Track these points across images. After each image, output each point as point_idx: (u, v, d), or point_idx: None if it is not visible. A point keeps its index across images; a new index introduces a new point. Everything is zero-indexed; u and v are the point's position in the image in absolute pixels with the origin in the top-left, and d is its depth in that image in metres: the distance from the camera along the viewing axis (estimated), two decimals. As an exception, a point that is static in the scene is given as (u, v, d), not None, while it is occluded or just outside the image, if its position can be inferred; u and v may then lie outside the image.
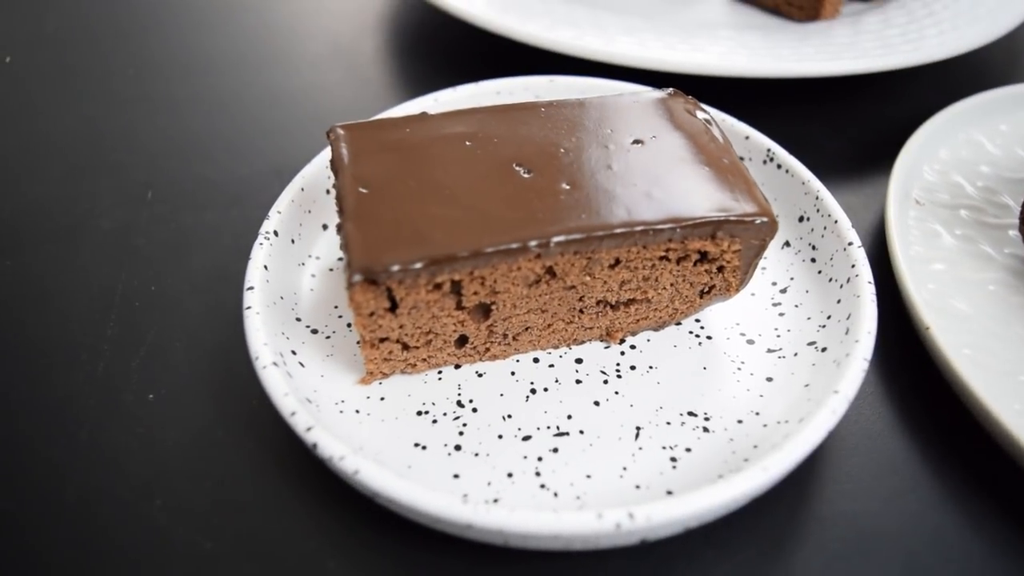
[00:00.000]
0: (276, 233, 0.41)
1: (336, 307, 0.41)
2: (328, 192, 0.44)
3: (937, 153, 0.49)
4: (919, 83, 0.62)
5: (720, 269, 0.37)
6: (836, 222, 0.41)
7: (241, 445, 0.38)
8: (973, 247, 0.44)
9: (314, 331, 0.40)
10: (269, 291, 0.38)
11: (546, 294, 0.36)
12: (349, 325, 0.40)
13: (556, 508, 0.32)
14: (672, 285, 0.38)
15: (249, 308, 0.36)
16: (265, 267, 0.39)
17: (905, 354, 0.41)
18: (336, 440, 0.32)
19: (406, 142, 0.38)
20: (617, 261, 0.36)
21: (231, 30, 0.69)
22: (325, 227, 0.44)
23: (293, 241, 0.42)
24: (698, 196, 0.36)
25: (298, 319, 0.40)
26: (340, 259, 0.43)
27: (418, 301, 0.34)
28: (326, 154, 0.44)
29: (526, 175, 0.36)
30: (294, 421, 0.32)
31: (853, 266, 0.39)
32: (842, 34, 0.56)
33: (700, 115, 0.40)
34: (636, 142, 0.38)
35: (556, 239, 0.33)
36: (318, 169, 0.44)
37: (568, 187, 0.35)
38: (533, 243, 0.33)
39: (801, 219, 0.43)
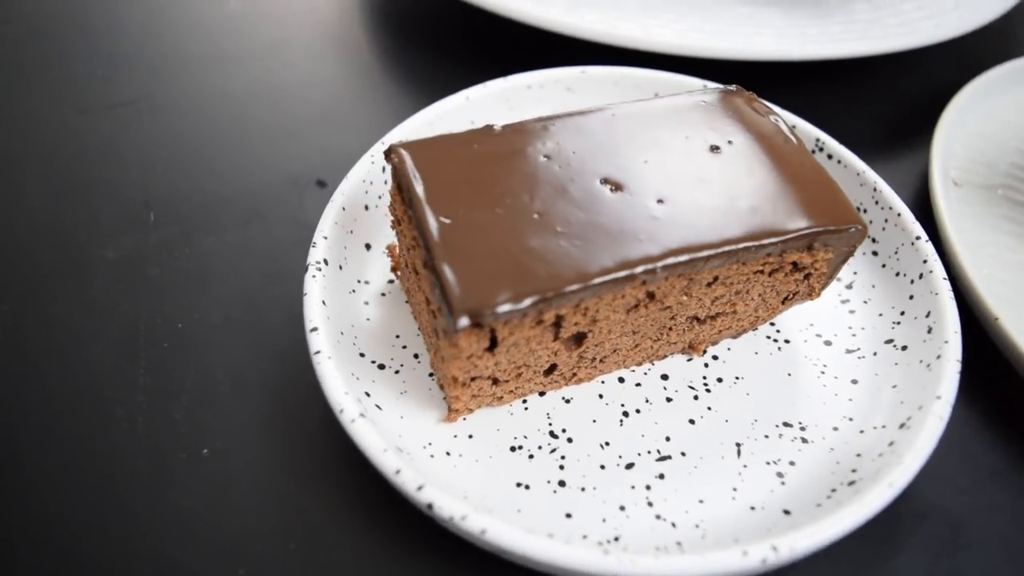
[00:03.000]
0: (326, 262, 0.37)
1: (398, 336, 0.38)
2: (367, 208, 0.41)
3: (965, 129, 0.50)
4: (933, 56, 0.62)
5: (807, 276, 0.37)
6: (899, 215, 0.40)
7: (318, 496, 0.35)
8: (1016, 227, 0.45)
9: (381, 366, 0.37)
10: (332, 329, 0.36)
11: (642, 317, 0.34)
12: (416, 356, 0.38)
13: (680, 541, 0.32)
14: (760, 295, 0.37)
15: (319, 353, 0.34)
16: (323, 302, 0.36)
17: (966, 343, 0.42)
18: (451, 497, 0.30)
19: (478, 161, 0.35)
20: (715, 279, 0.34)
21: (210, 19, 0.62)
22: (368, 247, 0.41)
23: (341, 267, 0.39)
24: (792, 206, 0.34)
25: (362, 354, 0.37)
26: (391, 282, 0.40)
27: (519, 338, 0.32)
28: (363, 167, 0.41)
29: (613, 192, 0.34)
30: (400, 480, 0.30)
31: (925, 261, 0.39)
32: (862, 9, 0.55)
33: (766, 113, 0.39)
34: (714, 148, 0.36)
35: (663, 263, 0.32)
36: (354, 184, 0.40)
37: (660, 204, 0.34)
38: (640, 270, 0.32)
39: (858, 209, 0.43)
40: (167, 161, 0.49)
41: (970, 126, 0.50)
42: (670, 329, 0.37)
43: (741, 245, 0.33)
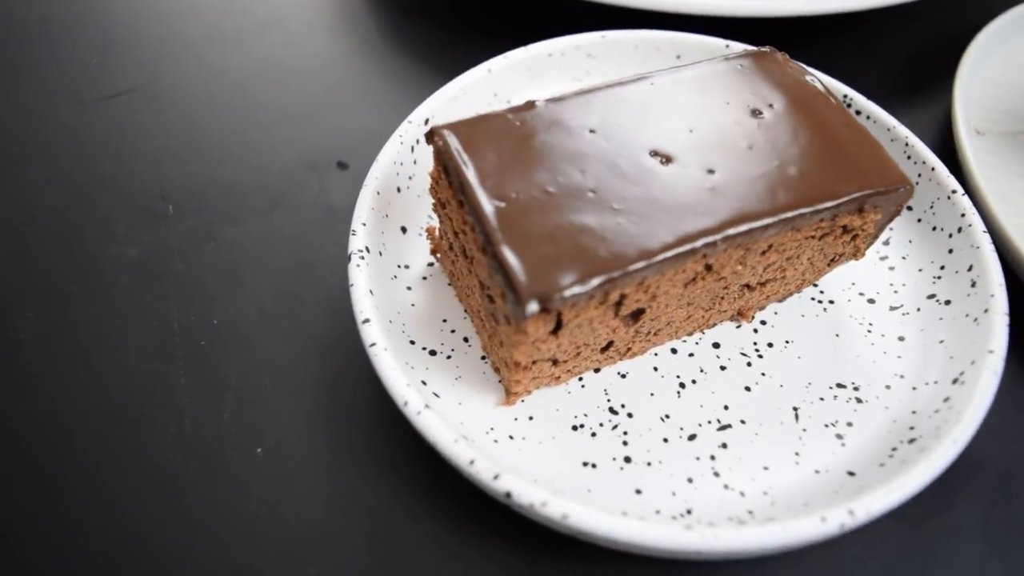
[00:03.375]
0: (368, 249, 0.37)
1: (445, 321, 0.38)
2: (399, 191, 0.40)
3: (982, 76, 0.50)
4: (943, 1, 0.62)
5: (854, 237, 0.37)
6: (933, 169, 0.41)
7: (381, 488, 0.35)
8: (1039, 173, 0.45)
9: (432, 352, 0.37)
10: (381, 318, 0.35)
11: (699, 289, 0.34)
12: (466, 340, 0.37)
13: (751, 509, 0.32)
14: (809, 259, 0.37)
15: (375, 345, 0.33)
16: (371, 292, 0.35)
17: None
18: (529, 484, 0.30)
19: (524, 139, 0.34)
20: (769, 247, 0.34)
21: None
22: (404, 230, 0.40)
23: (381, 254, 0.38)
24: (841, 169, 0.34)
25: (412, 342, 0.37)
26: (430, 265, 0.40)
27: (583, 320, 0.32)
28: (392, 148, 0.40)
29: (664, 164, 0.33)
30: (475, 471, 0.30)
31: (963, 215, 0.39)
32: None
33: (802, 74, 0.38)
34: (756, 113, 0.36)
35: (723, 235, 0.32)
36: (385, 166, 0.39)
37: (713, 174, 0.33)
38: (701, 243, 0.31)
39: (888, 166, 0.43)
40: (176, 151, 0.47)
41: (986, 73, 0.50)
42: (722, 298, 0.36)
43: (797, 212, 0.33)
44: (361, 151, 0.47)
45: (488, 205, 0.32)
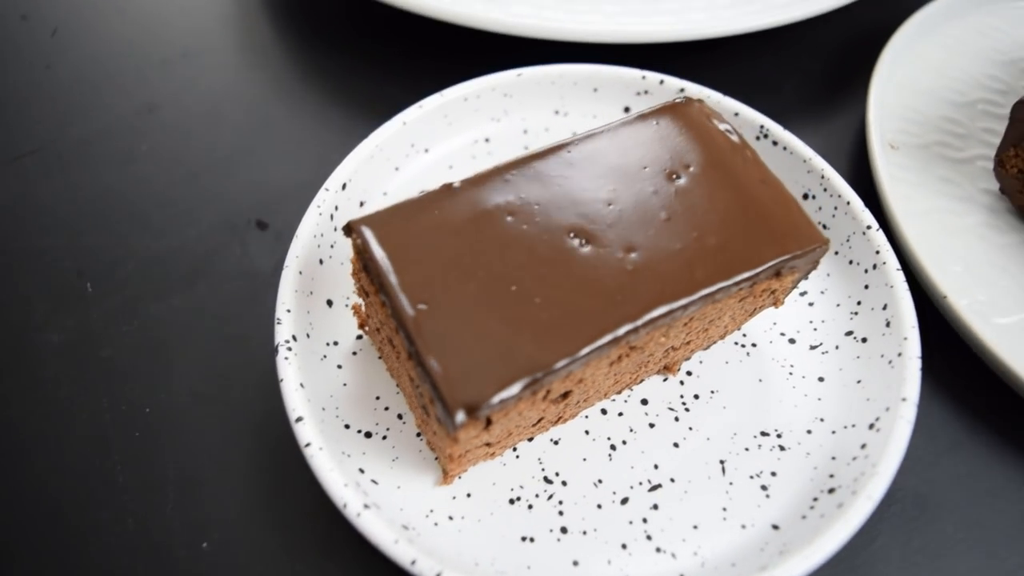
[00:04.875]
0: (295, 337, 0.36)
1: (378, 398, 0.38)
2: (322, 263, 0.40)
3: (896, 82, 0.50)
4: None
5: (773, 292, 0.38)
6: (848, 203, 0.41)
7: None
8: (953, 189, 0.46)
9: (367, 435, 0.37)
10: (315, 411, 0.35)
11: (624, 365, 0.35)
12: (400, 416, 0.38)
13: (682, 573, 0.34)
14: (731, 316, 0.38)
15: (309, 445, 0.33)
16: (301, 385, 0.35)
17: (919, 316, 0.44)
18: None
19: (443, 230, 0.34)
20: (691, 318, 0.35)
21: (102, 46, 0.56)
22: (330, 303, 0.40)
23: (308, 336, 0.38)
24: (758, 235, 0.35)
25: (347, 426, 0.37)
26: (359, 338, 0.40)
27: (513, 413, 0.32)
28: (311, 220, 0.39)
29: (584, 248, 0.34)
30: (417, 571, 0.31)
31: (877, 252, 0.40)
32: None
33: (719, 124, 0.38)
34: (673, 176, 0.36)
35: (644, 320, 0.32)
36: (306, 241, 0.39)
37: (632, 254, 0.34)
38: (623, 331, 0.32)
39: (807, 196, 0.43)
40: (88, 218, 0.46)
41: (902, 79, 0.51)
42: (647, 364, 0.37)
43: (716, 287, 0.33)
44: (281, 207, 0.46)
45: (410, 309, 0.32)
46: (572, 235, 0.34)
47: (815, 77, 0.55)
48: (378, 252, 0.33)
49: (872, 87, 0.48)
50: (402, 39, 0.56)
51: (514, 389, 0.30)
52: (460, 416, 0.30)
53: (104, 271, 0.44)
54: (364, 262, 0.33)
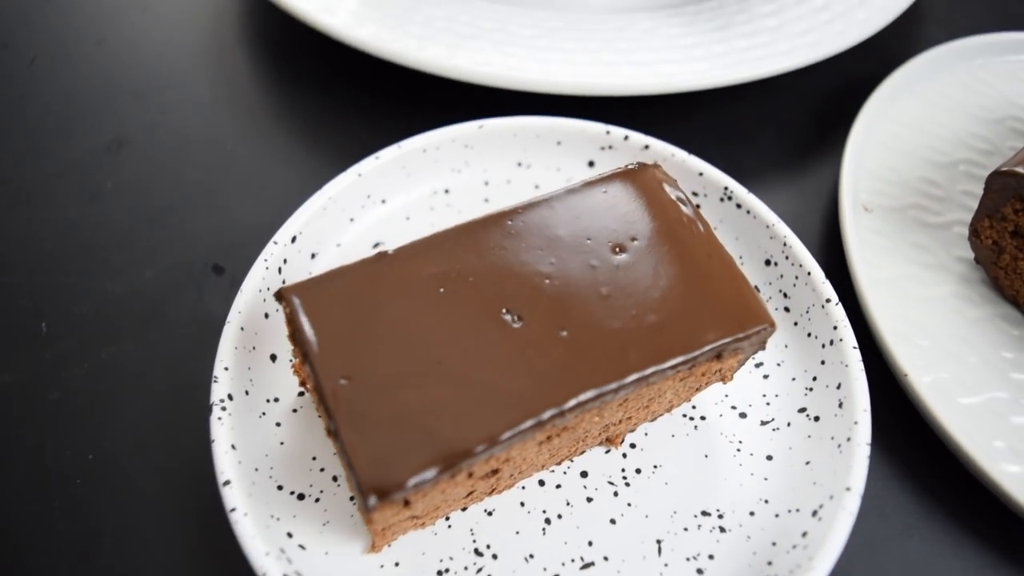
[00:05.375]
0: (231, 397, 0.36)
1: (314, 459, 0.38)
2: (267, 317, 0.39)
3: (875, 140, 0.49)
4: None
5: (719, 370, 0.37)
6: (809, 274, 0.40)
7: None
8: (926, 256, 0.45)
9: (300, 496, 0.37)
10: (245, 473, 0.35)
11: (556, 443, 0.34)
12: (335, 479, 0.37)
13: (606, 660, 0.33)
14: (673, 393, 0.37)
15: (234, 511, 0.33)
16: (233, 446, 0.35)
17: (877, 394, 0.42)
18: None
19: (373, 303, 0.33)
20: (625, 399, 0.34)
21: (61, 92, 0.57)
22: (274, 358, 0.40)
23: (247, 392, 0.38)
24: (700, 315, 0.34)
25: (280, 487, 0.37)
26: (301, 394, 0.39)
27: (434, 493, 0.32)
28: (258, 274, 0.39)
29: (516, 324, 0.33)
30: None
31: (835, 327, 0.39)
32: (765, 12, 0.52)
33: (672, 192, 0.37)
34: (617, 249, 0.35)
35: (571, 404, 0.31)
36: (249, 297, 0.38)
37: (565, 333, 0.33)
38: (548, 415, 0.31)
39: (768, 263, 0.42)
40: (52, 255, 0.46)
41: (881, 135, 0.49)
42: (585, 438, 0.37)
43: (649, 371, 0.33)
44: (239, 251, 0.46)
45: (332, 384, 0.31)
46: (505, 311, 0.33)
47: (793, 128, 0.54)
48: (305, 323, 0.33)
49: (848, 146, 0.47)
50: (377, 81, 0.55)
51: (430, 473, 0.30)
52: (372, 500, 0.30)
53: (61, 311, 0.44)
54: (292, 331, 0.33)
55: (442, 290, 0.34)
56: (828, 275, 0.45)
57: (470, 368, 0.32)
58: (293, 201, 0.45)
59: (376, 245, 0.43)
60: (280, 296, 0.33)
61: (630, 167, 0.38)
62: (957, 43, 0.53)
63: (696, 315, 0.34)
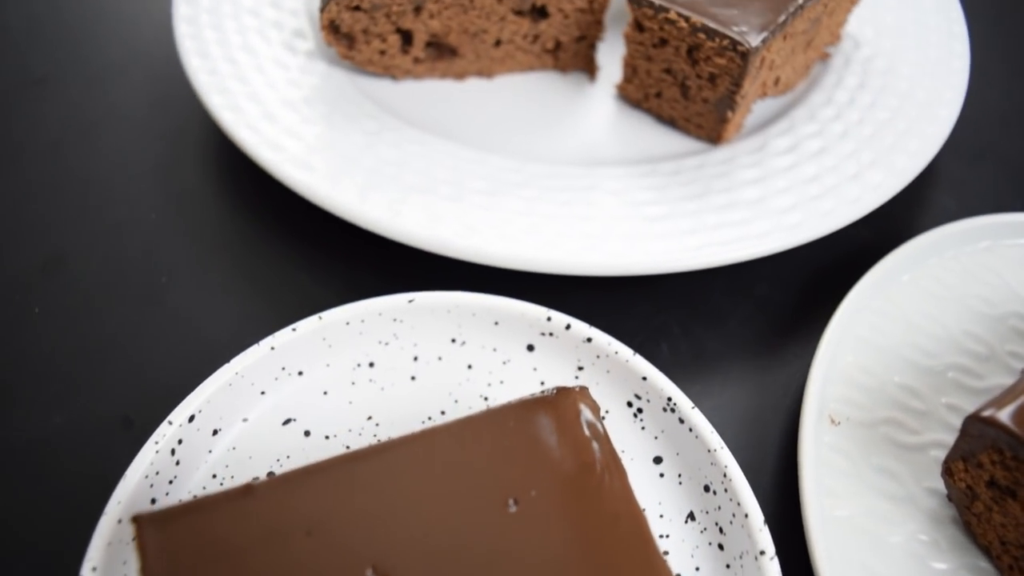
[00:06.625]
0: (95, 609, 0.33)
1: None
2: (154, 502, 0.37)
3: (854, 335, 0.44)
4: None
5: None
6: (747, 516, 0.36)
7: None
8: (893, 485, 0.40)
9: None
10: None
11: None
12: None
13: None
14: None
15: None
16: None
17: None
18: None
19: (229, 542, 0.30)
20: None
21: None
22: (155, 551, 0.37)
23: (119, 586, 0.35)
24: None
25: None
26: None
27: None
28: (146, 458, 0.36)
29: (381, 589, 0.30)
30: None
31: (767, 585, 0.35)
32: (746, 177, 0.48)
33: (588, 429, 0.33)
34: (513, 502, 0.31)
35: None
36: (133, 483, 0.35)
37: (436, 610, 0.29)
38: None
39: (707, 488, 0.38)
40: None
41: (863, 330, 0.44)
42: None
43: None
44: (152, 405, 0.43)
45: (166, 646, 0.28)
46: (371, 570, 0.30)
47: (771, 307, 0.49)
48: (152, 562, 0.30)
49: (821, 345, 0.42)
50: (332, 226, 0.50)
51: None
52: None
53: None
54: (142, 566, 0.30)
55: (306, 538, 0.30)
56: (777, 503, 0.41)
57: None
58: (219, 352, 0.42)
59: (287, 421, 0.40)
60: (136, 522, 0.30)
61: (546, 394, 0.34)
62: (962, 224, 0.47)
63: (590, 589, 0.30)
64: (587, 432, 0.33)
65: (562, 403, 0.34)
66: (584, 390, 0.35)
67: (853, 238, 0.50)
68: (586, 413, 0.34)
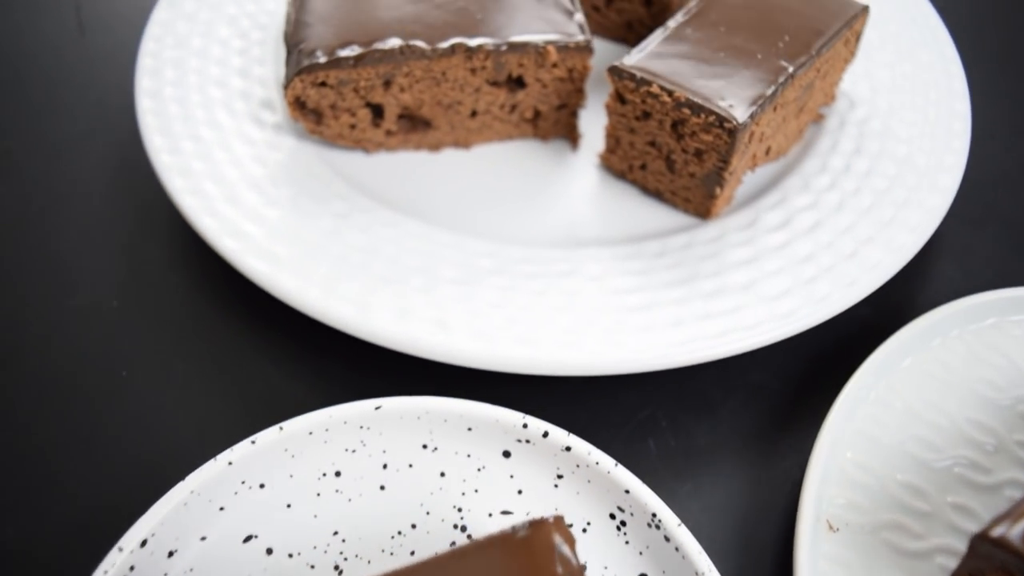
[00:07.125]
0: None
1: None
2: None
3: (853, 430, 0.41)
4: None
5: None
6: (737, 649, 0.33)
7: None
8: (894, 602, 0.37)
9: None
10: None
11: None
12: None
13: None
14: None
15: None
16: None
17: None
18: None
19: None
20: None
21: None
22: None
23: None
24: None
25: None
26: None
27: None
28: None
29: None
30: None
31: None
32: (736, 258, 0.46)
33: (562, 567, 0.31)
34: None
35: None
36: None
37: None
38: None
39: (690, 618, 0.35)
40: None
41: (860, 422, 0.41)
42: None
43: None
44: (107, 515, 0.41)
45: None
46: None
47: (766, 397, 0.46)
48: None
49: (817, 446, 0.39)
50: (300, 322, 0.47)
51: None
52: None
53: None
54: None
55: None
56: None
57: None
58: (181, 456, 0.40)
59: (248, 538, 0.38)
60: None
61: (518, 532, 0.32)
62: (966, 301, 0.45)
63: None
64: (560, 569, 0.31)
65: (536, 541, 0.31)
66: (559, 520, 0.32)
67: (852, 316, 0.47)
68: (561, 548, 0.31)
